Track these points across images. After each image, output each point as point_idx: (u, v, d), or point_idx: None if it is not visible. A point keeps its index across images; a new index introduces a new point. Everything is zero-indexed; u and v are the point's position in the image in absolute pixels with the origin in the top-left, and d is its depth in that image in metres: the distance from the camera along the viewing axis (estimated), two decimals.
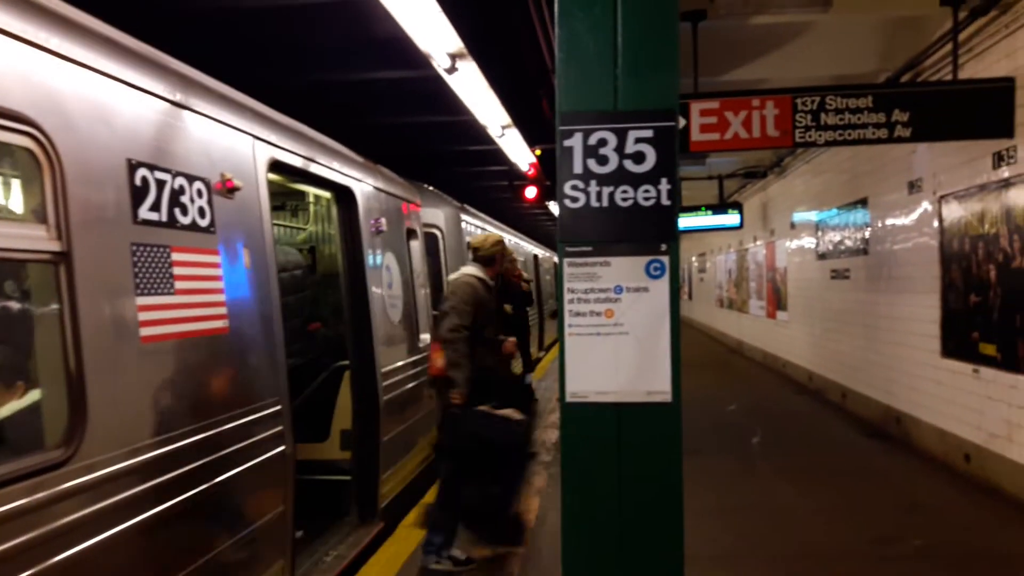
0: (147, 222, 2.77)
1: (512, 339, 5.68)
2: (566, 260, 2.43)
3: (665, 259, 2.41)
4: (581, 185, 2.40)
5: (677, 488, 2.50)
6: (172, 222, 2.92)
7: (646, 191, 2.38)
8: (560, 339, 2.47)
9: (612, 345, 2.44)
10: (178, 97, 3.09)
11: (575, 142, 2.39)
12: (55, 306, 2.41)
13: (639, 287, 2.42)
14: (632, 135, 2.37)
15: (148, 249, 2.75)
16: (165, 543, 2.86)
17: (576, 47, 2.37)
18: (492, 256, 5.43)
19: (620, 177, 2.39)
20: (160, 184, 2.86)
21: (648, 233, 2.40)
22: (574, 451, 2.50)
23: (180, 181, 2.98)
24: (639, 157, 2.38)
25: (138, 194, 2.73)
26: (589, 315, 2.44)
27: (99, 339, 2.52)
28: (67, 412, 2.43)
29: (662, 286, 2.42)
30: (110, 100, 2.70)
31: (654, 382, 2.44)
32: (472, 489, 4.73)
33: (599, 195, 2.40)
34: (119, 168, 2.66)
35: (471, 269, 5.31)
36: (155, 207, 2.81)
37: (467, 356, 4.84)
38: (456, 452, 4.82)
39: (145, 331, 2.72)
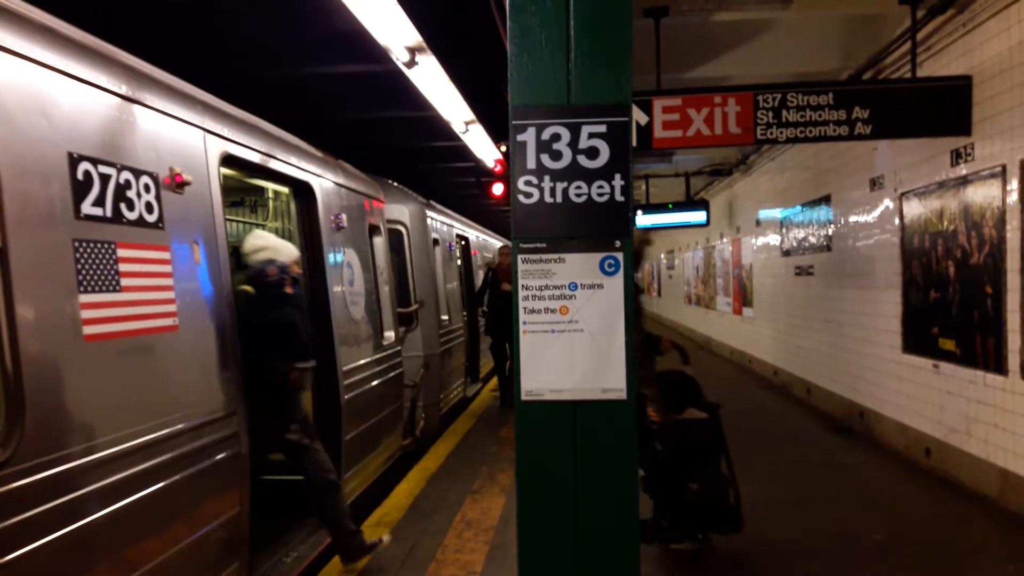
0: (90, 217, 2.68)
1: (667, 337, 5.56)
2: (520, 256, 2.40)
3: (619, 256, 2.38)
4: (535, 180, 2.37)
5: (632, 484, 2.48)
6: (118, 217, 2.84)
7: (600, 187, 2.35)
8: (515, 337, 2.43)
9: (567, 342, 2.41)
10: (123, 89, 3.00)
11: (528, 137, 2.35)
12: None
13: (593, 284, 2.39)
14: (585, 130, 2.34)
15: (92, 245, 2.67)
16: (112, 546, 2.79)
17: (528, 40, 2.34)
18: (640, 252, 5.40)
19: (574, 173, 2.36)
20: (104, 178, 2.77)
21: (602, 229, 2.37)
22: (530, 448, 2.47)
23: (126, 175, 2.90)
24: (592, 152, 2.35)
25: (81, 189, 2.64)
26: (544, 312, 2.41)
27: (38, 338, 2.44)
28: (3, 413, 2.35)
29: (616, 283, 2.39)
30: (50, 92, 2.61)
31: (609, 379, 2.41)
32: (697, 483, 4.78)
33: (553, 191, 2.36)
34: (59, 162, 2.57)
35: None
36: (99, 202, 2.73)
37: (644, 367, 4.85)
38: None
39: (89, 329, 2.63)
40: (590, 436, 2.43)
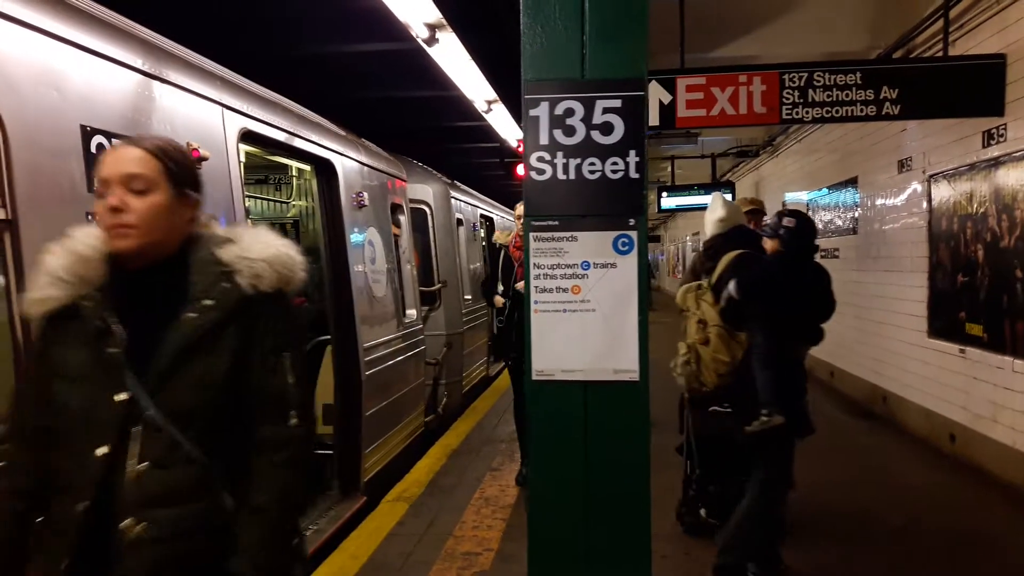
0: None
1: None
2: (532, 235, 2.37)
3: (633, 234, 2.35)
4: (547, 157, 2.33)
5: (644, 466, 2.45)
6: None
7: (614, 163, 2.32)
8: (526, 315, 2.41)
9: (579, 322, 2.38)
10: (139, 63, 3.01)
11: (541, 112, 2.32)
12: None
13: (607, 263, 2.36)
14: (600, 105, 2.30)
15: None
16: None
17: (541, 12, 2.29)
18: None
19: (587, 149, 2.32)
20: None
21: (616, 207, 2.34)
22: (541, 429, 2.46)
23: None
24: (607, 128, 2.31)
25: (94, 162, 2.65)
26: (556, 291, 2.39)
27: None
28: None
29: (630, 262, 2.36)
30: (62, 65, 2.61)
31: (621, 360, 2.38)
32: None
33: (566, 167, 2.33)
34: (72, 135, 2.58)
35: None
36: None
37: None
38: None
39: None
40: (601, 417, 2.40)
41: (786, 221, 4.17)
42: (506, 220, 14.93)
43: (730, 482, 4.54)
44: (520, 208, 5.55)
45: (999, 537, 4.96)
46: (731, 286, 4.02)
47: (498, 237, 6.50)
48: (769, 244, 4.23)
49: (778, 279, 4.07)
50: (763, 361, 4.04)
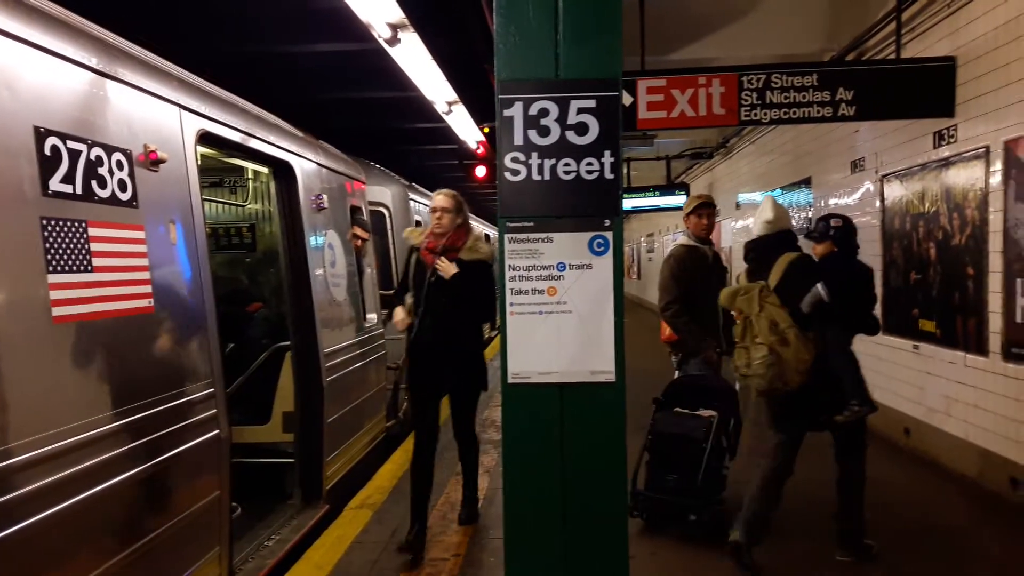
0: (59, 194, 2.59)
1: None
2: (507, 236, 2.34)
3: (609, 235, 2.34)
4: (522, 157, 2.31)
5: (621, 468, 2.45)
6: (88, 195, 2.74)
7: (589, 164, 2.30)
8: (501, 318, 2.38)
9: (555, 324, 2.36)
10: (95, 63, 2.89)
11: (515, 112, 2.29)
12: None
13: (582, 264, 2.35)
14: (574, 105, 2.28)
15: (61, 223, 2.57)
16: (85, 533, 2.71)
17: (515, 11, 2.27)
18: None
19: (562, 149, 2.30)
20: (74, 154, 2.67)
21: (591, 208, 2.32)
22: (517, 432, 2.43)
23: (97, 152, 2.80)
24: (582, 128, 2.29)
25: (48, 164, 2.54)
26: (531, 293, 2.36)
27: (1, 319, 2.35)
28: None
29: (606, 263, 2.35)
30: (14, 64, 2.50)
31: (598, 361, 2.37)
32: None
33: (540, 168, 2.31)
34: (24, 136, 2.47)
35: (682, 238, 5.54)
36: (68, 179, 2.63)
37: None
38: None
39: (58, 311, 2.54)
40: (578, 419, 2.39)
41: (834, 222, 4.51)
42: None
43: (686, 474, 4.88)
44: (438, 198, 4.73)
45: (954, 529, 5.07)
46: (820, 290, 4.18)
47: (409, 235, 4.99)
48: (820, 248, 4.55)
49: (859, 278, 4.45)
50: (845, 357, 4.40)
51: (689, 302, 5.28)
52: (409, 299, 4.83)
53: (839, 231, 4.48)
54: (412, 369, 4.86)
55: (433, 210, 4.75)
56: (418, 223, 9.71)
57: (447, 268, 4.57)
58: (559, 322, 2.36)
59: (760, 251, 4.58)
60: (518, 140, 2.30)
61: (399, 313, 4.81)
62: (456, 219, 4.73)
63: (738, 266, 12.69)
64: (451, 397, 4.99)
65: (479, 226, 11.12)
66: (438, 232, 4.71)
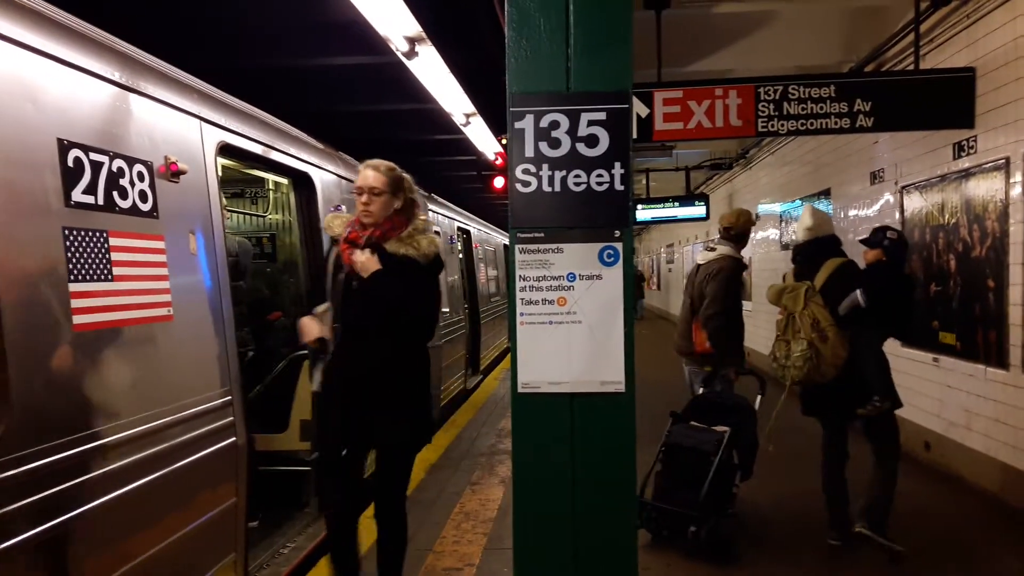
0: (81, 205, 2.65)
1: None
2: (518, 247, 2.37)
3: (619, 246, 2.35)
4: (533, 169, 2.34)
5: (631, 478, 2.46)
6: (110, 206, 2.81)
7: (599, 175, 2.32)
8: (511, 328, 2.40)
9: (565, 334, 2.38)
10: (118, 77, 2.96)
11: (526, 124, 2.32)
12: None
13: (592, 275, 2.37)
14: (585, 117, 2.31)
15: (82, 233, 2.64)
16: (101, 539, 2.76)
17: (527, 25, 2.31)
18: (745, 233, 5.77)
19: (573, 161, 2.32)
20: (96, 166, 2.73)
21: (601, 219, 2.34)
22: (527, 442, 2.45)
23: (119, 163, 2.86)
24: (592, 140, 2.32)
25: (71, 176, 2.61)
26: (541, 303, 2.38)
27: (22, 326, 2.40)
28: None
29: (615, 273, 2.36)
30: (38, 77, 2.57)
31: (607, 371, 2.39)
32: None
33: (551, 179, 2.33)
34: (48, 148, 2.53)
35: (726, 249, 5.64)
36: (90, 190, 2.69)
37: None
38: None
39: (79, 319, 2.60)
40: (588, 428, 2.40)
41: (890, 234, 4.83)
42: (484, 232, 14.84)
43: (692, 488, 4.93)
44: (366, 173, 3.51)
45: (974, 544, 5.01)
46: (859, 296, 4.61)
47: (330, 223, 3.74)
48: (870, 254, 4.88)
49: (901, 288, 4.79)
50: (876, 356, 4.74)
51: (729, 316, 5.49)
52: (322, 308, 3.74)
53: (892, 243, 4.80)
54: (323, 413, 3.71)
55: (358, 190, 3.51)
56: (436, 233, 9.77)
57: (365, 264, 3.42)
58: (569, 332, 2.37)
59: (806, 254, 5.07)
60: (529, 152, 2.33)
61: (306, 324, 3.67)
62: (392, 202, 3.53)
63: (758, 280, 12.65)
64: (376, 455, 3.78)
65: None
66: (367, 221, 3.51)
